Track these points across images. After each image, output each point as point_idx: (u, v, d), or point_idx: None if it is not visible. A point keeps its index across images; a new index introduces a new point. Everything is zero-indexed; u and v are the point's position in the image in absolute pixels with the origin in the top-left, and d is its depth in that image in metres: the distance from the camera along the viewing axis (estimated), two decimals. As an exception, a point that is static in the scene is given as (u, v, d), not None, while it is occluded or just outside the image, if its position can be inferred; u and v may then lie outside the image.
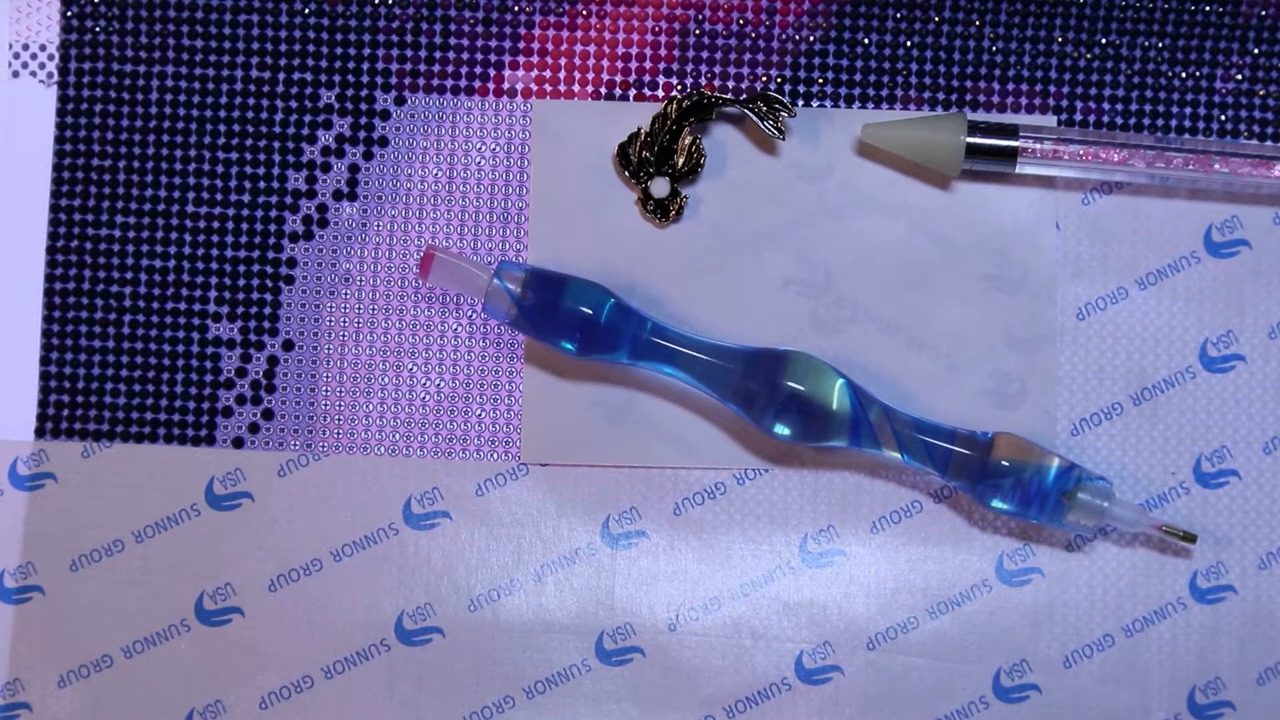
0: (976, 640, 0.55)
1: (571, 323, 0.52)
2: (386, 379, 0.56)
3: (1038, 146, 0.54)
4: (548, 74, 0.56)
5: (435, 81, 0.56)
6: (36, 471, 0.56)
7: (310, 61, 0.56)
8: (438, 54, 0.56)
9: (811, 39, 0.56)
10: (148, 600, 0.55)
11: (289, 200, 0.56)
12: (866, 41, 0.56)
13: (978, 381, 0.55)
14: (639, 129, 0.55)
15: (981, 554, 0.55)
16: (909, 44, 0.56)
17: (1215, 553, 0.55)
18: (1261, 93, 0.56)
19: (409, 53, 0.56)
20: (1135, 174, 0.54)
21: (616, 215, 0.56)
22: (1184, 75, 0.56)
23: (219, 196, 0.56)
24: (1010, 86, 0.56)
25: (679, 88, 0.56)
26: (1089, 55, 0.56)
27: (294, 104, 0.56)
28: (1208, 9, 0.56)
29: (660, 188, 0.55)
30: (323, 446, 0.56)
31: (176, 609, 0.55)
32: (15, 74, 0.56)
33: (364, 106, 0.56)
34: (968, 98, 0.56)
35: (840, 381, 0.52)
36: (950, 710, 0.55)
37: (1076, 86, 0.56)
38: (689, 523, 0.55)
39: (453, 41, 0.56)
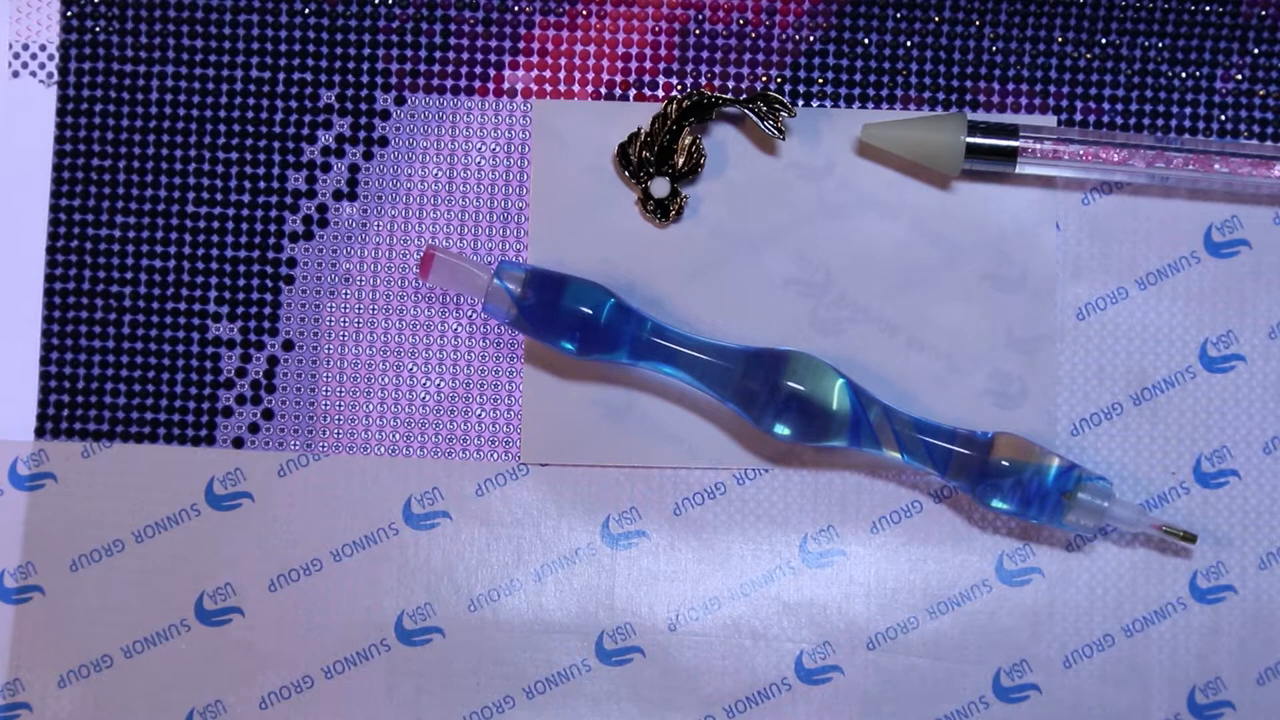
0: (976, 640, 0.55)
1: (571, 323, 0.52)
2: (386, 379, 0.56)
3: (1038, 146, 0.54)
4: (548, 74, 0.56)
5: (435, 81, 0.56)
6: (36, 471, 0.56)
7: (310, 61, 0.56)
8: (438, 54, 0.56)
9: (811, 39, 0.56)
10: (148, 600, 0.55)
11: (289, 200, 0.56)
12: (866, 41, 0.56)
13: (978, 381, 0.55)
14: (639, 129, 0.55)
15: (981, 554, 0.55)
16: (909, 44, 0.56)
17: (1215, 553, 0.55)
18: (1261, 93, 0.56)
19: (409, 53, 0.56)
20: (1135, 174, 0.54)
21: (616, 215, 0.56)
22: (1184, 75, 0.56)
23: (219, 196, 0.56)
24: (1010, 86, 0.56)
25: (679, 88, 0.56)
26: (1089, 55, 0.56)
27: (294, 104, 0.56)
28: (1208, 9, 0.56)
29: (660, 188, 0.55)
30: (323, 446, 0.56)
31: (176, 609, 0.55)
32: (15, 74, 0.56)
33: (364, 106, 0.56)
34: (968, 98, 0.56)
35: (840, 381, 0.52)
36: (950, 710, 0.55)
37: (1076, 86, 0.56)
38: (689, 523, 0.55)
39: (453, 41, 0.56)
